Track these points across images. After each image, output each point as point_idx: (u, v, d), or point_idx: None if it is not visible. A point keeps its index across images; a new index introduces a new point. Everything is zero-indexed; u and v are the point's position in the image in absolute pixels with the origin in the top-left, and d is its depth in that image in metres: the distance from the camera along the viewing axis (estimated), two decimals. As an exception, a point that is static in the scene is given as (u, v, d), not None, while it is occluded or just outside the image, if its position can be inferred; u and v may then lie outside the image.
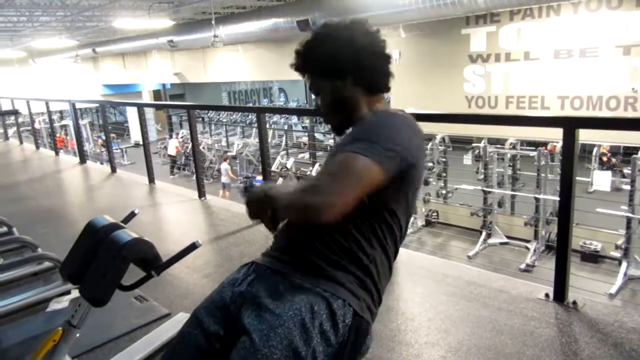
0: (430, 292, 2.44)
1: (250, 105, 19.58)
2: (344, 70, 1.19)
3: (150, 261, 1.50)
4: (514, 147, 8.17)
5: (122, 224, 1.60)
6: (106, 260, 1.47)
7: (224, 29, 9.53)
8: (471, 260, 7.31)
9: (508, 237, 7.88)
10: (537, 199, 7.34)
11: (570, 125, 2.00)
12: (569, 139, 1.99)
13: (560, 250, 2.15)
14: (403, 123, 1.14)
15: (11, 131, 10.05)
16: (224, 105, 16.46)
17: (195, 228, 3.81)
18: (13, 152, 8.22)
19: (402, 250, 2.87)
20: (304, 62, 1.24)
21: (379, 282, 1.13)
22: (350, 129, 1.21)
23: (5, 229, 3.43)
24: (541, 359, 1.81)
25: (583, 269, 6.83)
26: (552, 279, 2.21)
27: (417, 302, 2.35)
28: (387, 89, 1.26)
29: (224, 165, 11.56)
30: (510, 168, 8.25)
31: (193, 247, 1.50)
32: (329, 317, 1.02)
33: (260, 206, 1.10)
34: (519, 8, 7.21)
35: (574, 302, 2.14)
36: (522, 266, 6.94)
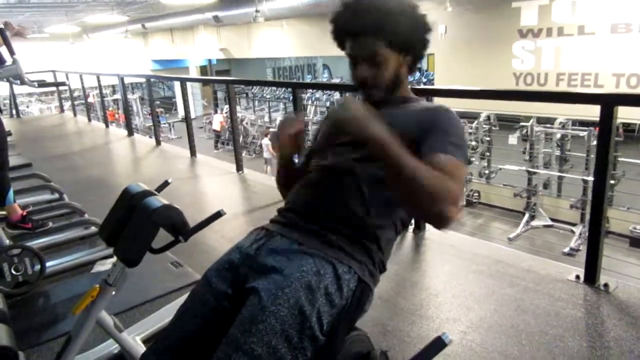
0: (457, 269, 2.43)
1: (295, 81, 19.60)
2: (414, 46, 1.22)
3: (179, 227, 1.57)
4: (563, 127, 7.83)
5: (154, 192, 1.69)
6: (138, 224, 1.55)
7: (267, 4, 9.55)
8: (512, 242, 7.16)
9: (553, 220, 7.65)
10: (584, 181, 7.06)
11: (607, 102, 1.92)
12: (607, 116, 1.91)
13: (593, 231, 2.09)
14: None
15: (67, 104, 10.54)
16: (261, 80, 16.49)
17: (230, 199, 3.92)
18: (67, 124, 8.66)
19: (433, 229, 2.88)
20: (380, 23, 1.15)
21: (383, 252, 1.19)
22: (398, 110, 1.23)
23: (57, 195, 3.68)
24: (564, 338, 1.79)
25: (631, 255, 6.57)
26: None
27: (442, 279, 2.35)
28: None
29: (265, 141, 11.72)
30: (559, 148, 7.93)
31: (218, 215, 1.56)
32: (334, 280, 1.07)
33: (357, 136, 1.00)
34: (575, -21, 6.83)
35: (606, 285, 2.09)
36: (566, 250, 6.74)
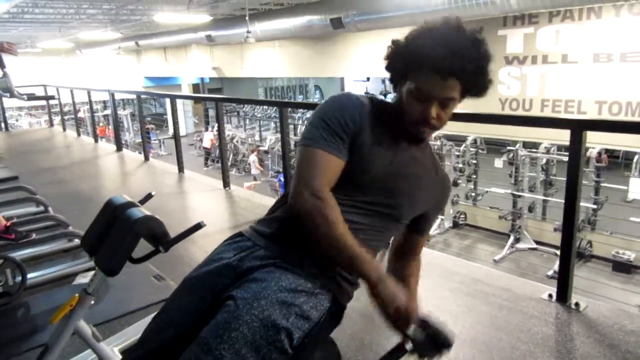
0: (434, 286, 2.48)
1: (281, 100, 19.76)
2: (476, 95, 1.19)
3: (159, 237, 1.61)
4: (548, 152, 7.99)
5: (137, 203, 1.73)
6: (119, 234, 1.59)
7: (259, 25, 9.72)
8: (497, 264, 7.23)
9: (537, 243, 7.74)
10: (568, 205, 7.17)
11: (577, 127, 2.01)
12: (576, 141, 2.00)
13: (564, 251, 2.16)
14: (334, 98, 1.22)
15: (57, 119, 10.54)
16: (250, 99, 16.66)
17: (215, 214, 3.95)
18: (56, 138, 8.66)
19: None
20: (474, 72, 1.12)
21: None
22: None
23: (42, 207, 3.69)
24: (534, 354, 1.83)
25: (614, 279, 6.66)
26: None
27: (420, 296, 2.39)
28: None
29: (252, 157, 11.81)
30: (544, 172, 8.08)
31: (198, 226, 1.59)
32: (310, 298, 1.10)
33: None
34: (559, 9, 7.05)
35: (577, 304, 2.15)
36: (550, 272, 6.81)
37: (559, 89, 7.56)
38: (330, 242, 1.08)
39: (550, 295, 2.23)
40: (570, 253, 2.12)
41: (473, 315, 2.16)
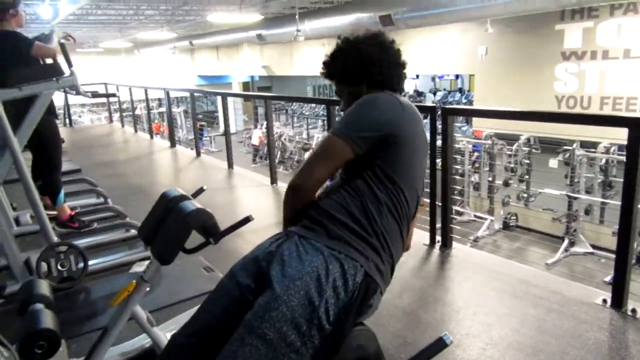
0: (479, 287, 2.44)
1: (329, 98, 19.79)
2: (359, 78, 1.43)
3: (210, 230, 1.68)
4: (607, 152, 7.60)
5: (190, 197, 1.81)
6: (173, 225, 1.67)
7: (308, 23, 9.79)
8: (550, 268, 6.96)
9: (594, 247, 7.38)
10: (628, 209, 6.80)
11: (635, 125, 1.92)
12: (634, 140, 1.91)
13: (621, 256, 2.07)
14: (384, 100, 1.35)
15: (116, 115, 11.07)
16: (297, 97, 16.80)
17: (262, 209, 4.04)
18: (115, 134, 9.11)
19: (460, 246, 2.89)
20: (329, 70, 1.49)
21: (390, 247, 1.28)
22: None
23: (102, 199, 3.91)
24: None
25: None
26: (636, 291, 2.14)
27: (464, 296, 2.37)
28: (401, 89, 1.49)
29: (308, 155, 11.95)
30: (602, 173, 7.69)
31: (247, 220, 1.65)
32: (341, 275, 1.18)
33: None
34: (621, 2, 6.70)
35: (633, 310, 2.06)
36: (607, 279, 6.48)
37: (620, 86, 7.19)
38: (285, 209, 1.39)
39: (604, 301, 2.15)
40: (627, 256, 2.03)
41: (519, 317, 2.11)
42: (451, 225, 2.91)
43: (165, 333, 1.99)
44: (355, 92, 1.42)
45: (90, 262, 2.66)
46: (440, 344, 1.01)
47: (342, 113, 1.47)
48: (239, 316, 1.19)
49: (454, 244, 2.92)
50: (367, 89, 1.42)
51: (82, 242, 2.89)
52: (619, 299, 2.09)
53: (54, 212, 3.05)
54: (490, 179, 8.56)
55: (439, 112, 2.79)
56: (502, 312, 2.16)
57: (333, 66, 1.48)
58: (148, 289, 1.81)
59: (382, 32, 1.47)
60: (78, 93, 2.75)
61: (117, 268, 2.84)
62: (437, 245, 2.90)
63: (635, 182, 1.94)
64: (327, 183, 1.56)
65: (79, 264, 2.58)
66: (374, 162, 1.29)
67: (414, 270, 2.62)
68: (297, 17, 9.25)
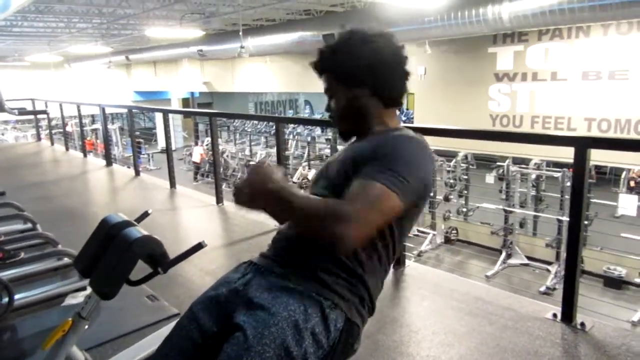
0: (436, 306, 2.43)
1: (278, 115, 19.81)
2: (364, 80, 1.20)
3: (158, 258, 1.54)
4: (538, 168, 8.04)
5: (134, 222, 1.66)
6: (116, 255, 1.52)
7: (251, 40, 9.74)
8: (489, 280, 7.19)
9: (529, 258, 7.74)
10: (559, 221, 7.20)
11: (581, 144, 1.99)
12: (580, 158, 1.98)
13: (569, 270, 2.13)
14: (420, 149, 1.14)
15: (44, 133, 10.40)
16: (244, 114, 16.72)
17: (210, 232, 3.88)
18: (44, 152, 8.52)
19: (413, 264, 2.89)
20: (326, 63, 1.24)
21: (371, 290, 1.15)
22: (363, 141, 1.22)
23: (29, 225, 3.57)
24: (543, 378, 1.79)
25: (605, 295, 6.66)
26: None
27: (422, 316, 2.35)
28: (401, 105, 1.29)
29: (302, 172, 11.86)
30: (534, 188, 8.13)
31: (199, 246, 1.53)
32: (322, 320, 1.05)
33: (261, 197, 1.06)
34: (548, 28, 7.16)
35: (582, 324, 2.11)
36: (542, 289, 6.80)
37: (548, 106, 7.65)
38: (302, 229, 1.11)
39: (554, 315, 2.19)
40: (575, 272, 2.09)
41: (477, 336, 2.11)
42: (404, 243, 2.91)
43: (105, 374, 1.82)
44: (356, 97, 1.22)
45: (17, 296, 2.39)
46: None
47: (325, 113, 1.30)
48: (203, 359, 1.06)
49: (407, 261, 2.92)
50: (369, 96, 1.22)
51: (6, 274, 2.60)
52: (568, 314, 2.14)
53: (-26, 241, 2.74)
54: (431, 194, 8.79)
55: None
56: (460, 331, 2.16)
57: (335, 59, 1.22)
58: (86, 327, 1.64)
59: (392, 34, 1.24)
60: (2, 110, 2.52)
61: (49, 301, 2.58)
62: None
63: (582, 199, 2.01)
64: None
65: (2, 299, 2.31)
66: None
67: (369, 291, 2.58)
68: (240, 33, 9.16)
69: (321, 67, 1.25)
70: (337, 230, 0.94)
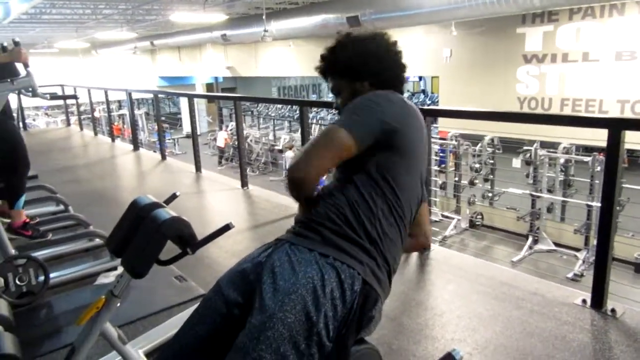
0: (462, 290, 2.42)
1: (302, 99, 19.76)
2: (362, 74, 1.36)
3: (187, 239, 1.57)
4: (567, 152, 7.84)
5: (163, 204, 1.69)
6: (146, 235, 1.55)
7: (275, 24, 9.69)
8: (515, 266, 7.11)
9: (556, 245, 7.60)
10: (589, 206, 7.04)
11: (615, 126, 1.93)
12: (614, 141, 1.92)
13: (600, 256, 2.08)
14: (377, 96, 1.29)
15: (73, 118, 10.63)
16: (269, 98, 16.71)
17: (236, 215, 3.92)
18: (73, 137, 8.73)
19: (437, 248, 2.87)
20: (328, 65, 1.42)
21: (384, 252, 1.20)
22: None
23: (62, 207, 3.69)
24: (571, 363, 1.77)
25: (637, 282, 6.52)
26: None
27: (447, 299, 2.34)
28: (401, 91, 1.40)
29: (288, 153, 11.93)
30: (562, 173, 7.94)
31: (227, 228, 1.55)
32: (338, 285, 1.10)
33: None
34: (579, 7, 6.92)
35: (613, 310, 2.07)
36: (570, 275, 6.68)
37: (579, 88, 7.42)
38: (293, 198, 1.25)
39: (584, 301, 2.16)
40: (606, 257, 2.05)
41: (503, 321, 2.09)
42: (430, 227, 2.89)
43: (137, 350, 1.87)
44: (357, 90, 1.36)
45: (52, 275, 2.48)
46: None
47: (337, 112, 1.41)
48: (227, 335, 1.10)
49: (432, 245, 2.90)
50: (369, 88, 1.36)
51: (42, 254, 2.70)
52: (598, 300, 2.10)
53: (7, 221, 2.84)
54: (456, 179, 8.69)
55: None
56: (486, 315, 2.14)
57: (335, 59, 1.40)
58: (119, 304, 1.69)
59: (384, 33, 1.41)
60: (35, 95, 2.57)
61: (82, 280, 2.67)
62: (415, 248, 2.87)
63: (615, 183, 1.96)
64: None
65: (39, 277, 2.40)
66: (372, 162, 1.22)
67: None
68: (264, 17, 9.13)
69: (325, 69, 1.43)
70: (290, 171, 1.18)
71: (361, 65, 1.36)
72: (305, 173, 1.17)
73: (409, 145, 1.25)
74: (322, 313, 1.06)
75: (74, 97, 3.92)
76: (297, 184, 1.19)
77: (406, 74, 1.43)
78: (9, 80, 2.40)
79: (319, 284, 1.08)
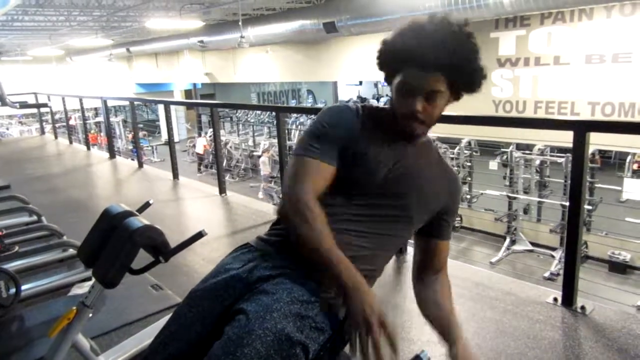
0: (437, 291, 2.44)
1: (278, 105, 19.76)
2: (464, 87, 1.18)
3: (159, 248, 1.57)
4: (542, 153, 8.01)
5: (135, 212, 1.68)
6: (118, 244, 1.54)
7: (252, 30, 9.69)
8: (494, 267, 7.22)
9: (533, 245, 7.74)
10: (564, 206, 7.19)
11: (580, 128, 1.99)
12: (580, 142, 1.98)
13: (569, 254, 2.14)
14: (324, 112, 1.24)
15: (48, 127, 10.44)
16: (245, 104, 16.61)
17: (212, 221, 3.90)
18: (48, 146, 8.56)
19: (411, 250, 2.89)
20: (445, 60, 1.11)
21: (375, 280, 1.21)
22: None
23: (35, 217, 3.61)
24: (542, 360, 1.81)
25: (610, 280, 6.67)
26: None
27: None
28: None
29: (263, 159, 11.89)
30: (538, 174, 8.10)
31: (199, 235, 1.55)
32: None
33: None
34: (550, 11, 7.09)
35: (582, 307, 2.13)
36: (546, 274, 6.81)
37: (552, 91, 7.59)
38: (308, 242, 1.06)
39: (555, 299, 2.21)
40: (575, 256, 2.10)
41: (478, 321, 2.13)
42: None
43: (111, 361, 1.85)
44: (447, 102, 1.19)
45: (24, 287, 2.42)
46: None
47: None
48: (202, 351, 1.04)
49: (409, 249, 2.93)
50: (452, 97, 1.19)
51: (13, 265, 2.65)
52: (569, 297, 2.15)
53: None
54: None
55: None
56: (462, 316, 2.15)
57: (451, 59, 1.11)
58: (91, 314, 1.67)
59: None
60: (4, 104, 2.54)
61: (55, 292, 2.61)
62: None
63: (582, 182, 2.01)
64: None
65: (10, 289, 2.34)
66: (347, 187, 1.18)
67: (370, 277, 2.60)
68: (240, 23, 9.13)
69: (438, 63, 1.11)
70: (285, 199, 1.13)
71: (476, 77, 1.18)
72: (297, 198, 1.10)
73: (355, 153, 1.20)
74: (303, 335, 1.01)
75: (45, 105, 3.88)
76: (294, 203, 1.10)
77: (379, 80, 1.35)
78: (-24, 89, 2.36)
79: (303, 305, 1.04)
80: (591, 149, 7.32)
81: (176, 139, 13.46)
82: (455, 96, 1.18)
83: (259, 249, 1.19)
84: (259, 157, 13.01)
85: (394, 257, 2.81)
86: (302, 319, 1.02)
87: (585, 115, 7.16)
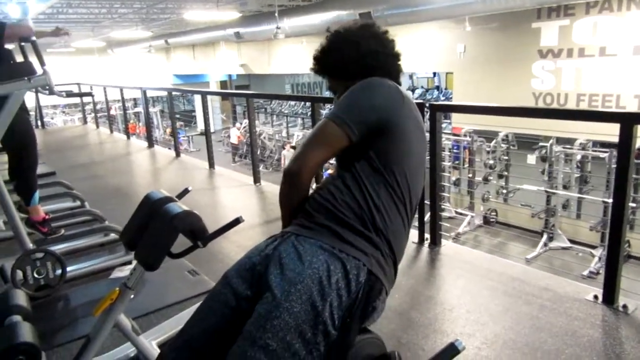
0: (472, 285, 2.42)
1: (314, 95, 19.77)
2: (351, 72, 1.35)
3: (198, 233, 1.60)
4: (583, 148, 7.73)
5: (175, 198, 1.73)
6: (158, 229, 1.59)
7: (287, 21, 9.71)
8: (530, 263, 7.04)
9: (572, 242, 7.51)
10: (605, 203, 6.94)
11: (627, 121, 1.92)
12: (626, 135, 1.91)
13: (612, 251, 2.07)
14: (364, 87, 1.28)
15: (89, 116, 10.80)
16: (280, 94, 16.69)
17: (247, 210, 3.96)
18: (90, 135, 8.87)
19: (449, 244, 2.87)
20: (320, 66, 1.43)
21: (391, 242, 1.21)
22: None
23: (78, 202, 3.77)
24: (581, 358, 1.76)
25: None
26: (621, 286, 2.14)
27: (457, 294, 2.34)
28: (399, 82, 1.38)
29: (284, 152, 11.92)
30: (579, 169, 7.83)
31: (237, 221, 1.58)
32: (344, 275, 1.11)
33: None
34: (596, 0, 6.82)
35: (624, 306, 2.06)
36: (585, 272, 6.60)
37: (596, 83, 7.32)
38: (283, 205, 1.31)
39: (595, 297, 2.15)
40: (618, 253, 2.03)
41: (513, 315, 2.09)
42: (440, 223, 2.89)
43: (150, 341, 1.91)
44: (349, 87, 1.33)
45: (69, 269, 2.54)
46: (451, 350, 0.97)
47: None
48: (235, 327, 1.12)
49: (443, 241, 2.90)
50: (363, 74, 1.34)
51: (59, 248, 2.77)
52: (610, 295, 2.09)
53: (25, 216, 2.91)
54: (470, 175, 8.64)
55: (427, 109, 2.77)
56: (495, 310, 2.14)
57: (326, 61, 1.40)
58: (132, 296, 1.73)
59: (374, 23, 1.40)
60: (52, 93, 2.62)
61: (97, 274, 2.72)
62: (426, 243, 2.87)
63: (627, 179, 1.94)
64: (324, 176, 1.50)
65: (56, 270, 2.46)
66: (371, 151, 1.22)
67: (404, 269, 2.59)
68: (276, 14, 9.16)
69: (318, 70, 1.44)
70: (286, 168, 1.24)
71: (354, 63, 1.34)
72: (301, 165, 1.22)
73: (404, 131, 1.24)
74: (327, 303, 1.07)
75: (90, 94, 4.00)
76: (292, 176, 1.23)
77: (400, 63, 1.41)
78: (26, 78, 2.46)
79: (324, 274, 1.09)
80: (638, 143, 7.09)
81: (212, 129, 13.67)
82: (353, 81, 1.32)
83: (286, 230, 1.25)
84: (293, 147, 13.09)
85: (426, 249, 2.80)
86: (324, 288, 1.09)
87: (631, 109, 6.87)
